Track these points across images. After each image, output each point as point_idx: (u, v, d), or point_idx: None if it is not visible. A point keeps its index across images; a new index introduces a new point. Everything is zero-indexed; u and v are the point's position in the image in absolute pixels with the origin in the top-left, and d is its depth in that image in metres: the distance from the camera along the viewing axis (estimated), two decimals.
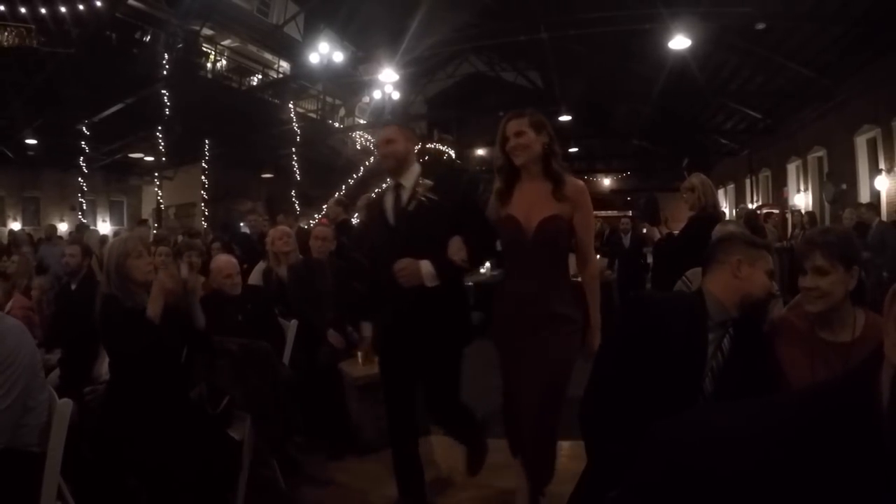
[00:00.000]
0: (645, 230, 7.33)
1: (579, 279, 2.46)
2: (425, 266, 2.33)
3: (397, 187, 2.50)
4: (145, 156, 15.84)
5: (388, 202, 2.52)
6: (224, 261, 3.43)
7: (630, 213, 12.46)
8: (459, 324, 2.51)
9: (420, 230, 2.39)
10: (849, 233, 1.92)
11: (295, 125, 15.94)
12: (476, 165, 20.33)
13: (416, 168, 2.51)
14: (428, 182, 2.44)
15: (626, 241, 8.25)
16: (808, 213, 11.00)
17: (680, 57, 10.80)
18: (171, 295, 2.41)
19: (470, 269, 2.55)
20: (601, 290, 2.48)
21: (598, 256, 7.96)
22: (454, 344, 2.48)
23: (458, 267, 2.36)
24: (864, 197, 10.11)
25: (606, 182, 24.52)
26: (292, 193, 16.25)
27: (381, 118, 17.35)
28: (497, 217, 2.38)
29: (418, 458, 2.57)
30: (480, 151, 21.71)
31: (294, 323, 3.34)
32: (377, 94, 15.30)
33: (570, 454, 1.97)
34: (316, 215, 13.43)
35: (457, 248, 2.33)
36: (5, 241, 9.88)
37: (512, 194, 2.36)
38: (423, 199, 2.41)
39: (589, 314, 2.36)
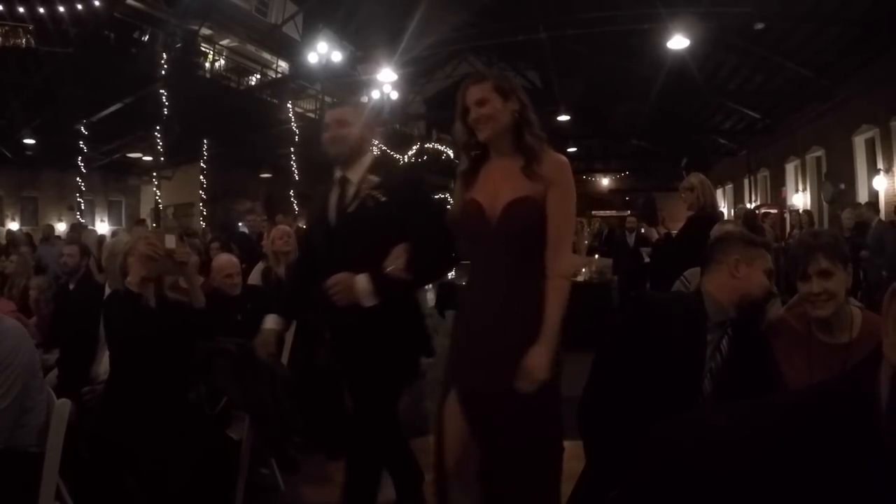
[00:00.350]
0: (643, 230, 7.36)
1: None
2: (361, 282, 1.97)
3: (343, 181, 2.16)
4: (144, 155, 15.80)
5: (333, 198, 2.17)
6: (225, 260, 3.43)
7: (628, 212, 12.48)
8: (401, 353, 2.13)
9: (361, 236, 2.05)
10: (836, 232, 1.93)
11: (293, 125, 15.91)
12: None
13: (366, 160, 2.16)
14: (373, 178, 2.09)
15: (631, 239, 8.18)
16: (805, 212, 11.01)
17: (679, 57, 10.79)
18: (151, 262, 2.38)
19: (417, 284, 2.21)
20: (600, 290, 2.30)
21: (597, 256, 8.02)
22: (391, 377, 2.13)
23: (403, 283, 1.98)
24: (863, 197, 10.11)
25: (605, 182, 24.58)
26: (291, 193, 16.21)
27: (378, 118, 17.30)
28: (459, 204, 1.94)
29: (413, 458, 2.53)
30: None
31: (293, 323, 3.33)
32: (376, 94, 15.27)
33: (570, 454, 1.96)
34: None
35: (394, 257, 1.97)
36: (4, 241, 9.85)
37: (478, 176, 1.92)
38: (367, 198, 2.07)
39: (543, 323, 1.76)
